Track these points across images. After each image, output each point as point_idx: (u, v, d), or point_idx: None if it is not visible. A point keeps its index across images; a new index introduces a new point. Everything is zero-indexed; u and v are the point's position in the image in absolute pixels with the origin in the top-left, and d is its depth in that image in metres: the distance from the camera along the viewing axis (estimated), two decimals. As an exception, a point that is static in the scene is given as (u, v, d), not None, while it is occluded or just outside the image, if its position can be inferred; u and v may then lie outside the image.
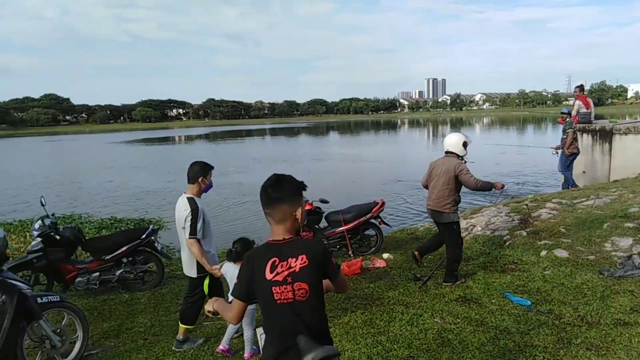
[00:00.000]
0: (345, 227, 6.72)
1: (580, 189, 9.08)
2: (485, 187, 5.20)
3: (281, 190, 1.93)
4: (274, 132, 73.89)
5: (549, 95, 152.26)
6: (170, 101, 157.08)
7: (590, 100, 10.69)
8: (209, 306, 2.14)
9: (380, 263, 6.23)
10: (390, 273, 5.88)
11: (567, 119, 9.93)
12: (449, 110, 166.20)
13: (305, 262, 1.88)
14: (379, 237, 7.03)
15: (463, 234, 7.28)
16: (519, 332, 3.89)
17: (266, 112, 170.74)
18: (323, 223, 7.06)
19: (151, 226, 6.34)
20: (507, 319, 4.16)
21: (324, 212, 6.90)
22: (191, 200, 3.84)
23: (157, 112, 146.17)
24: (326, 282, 2.05)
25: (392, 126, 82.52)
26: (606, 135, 10.66)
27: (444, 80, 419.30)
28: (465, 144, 5.21)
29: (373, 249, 6.96)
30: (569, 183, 9.99)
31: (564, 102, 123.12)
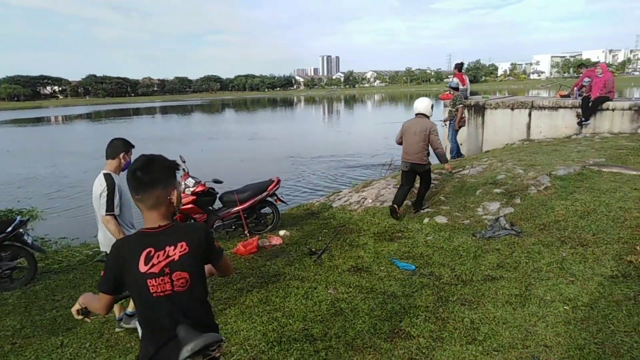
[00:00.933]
0: (240, 207, 6.60)
1: (458, 160, 9.93)
2: (442, 156, 6.42)
3: (153, 173, 1.75)
4: (165, 110, 69.97)
5: (432, 73, 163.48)
6: (42, 77, 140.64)
7: (466, 78, 11.64)
8: (75, 307, 1.93)
9: (276, 240, 6.25)
10: (287, 249, 5.93)
11: (455, 94, 10.56)
12: (343, 87, 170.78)
13: (185, 249, 1.76)
14: (276, 215, 7.03)
15: (355, 207, 7.63)
16: (404, 295, 4.17)
17: (155, 89, 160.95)
18: (217, 205, 6.87)
19: (19, 217, 5.64)
20: (394, 284, 4.43)
21: (217, 193, 6.70)
22: (107, 176, 3.65)
23: (27, 89, 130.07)
24: (209, 267, 1.96)
25: (288, 103, 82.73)
26: (479, 110, 11.75)
27: (337, 58, 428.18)
28: (432, 107, 6.54)
29: (270, 227, 6.95)
30: (454, 153, 10.81)
31: (445, 80, 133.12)
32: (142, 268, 1.70)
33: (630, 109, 9.67)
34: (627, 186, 6.13)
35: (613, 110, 9.90)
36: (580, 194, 5.93)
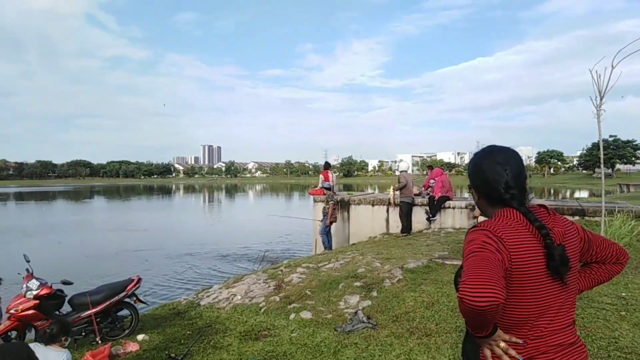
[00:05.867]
0: (92, 310, 6.04)
1: (326, 253, 10.43)
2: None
3: None
4: (21, 196, 62.68)
5: (311, 166, 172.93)
6: None
7: (331, 175, 12.66)
8: None
9: (133, 347, 5.77)
10: (144, 356, 5.50)
11: (327, 192, 11.85)
12: (224, 176, 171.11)
13: None
14: (134, 317, 6.54)
15: (223, 305, 7.46)
16: (262, 399, 4.10)
17: (11, 172, 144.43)
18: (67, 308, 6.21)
19: None
20: (254, 388, 4.34)
21: (66, 296, 6.09)
22: None
23: None
24: None
25: (166, 191, 79.89)
26: (345, 205, 12.72)
27: (219, 148, 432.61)
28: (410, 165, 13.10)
29: (127, 331, 6.40)
30: (325, 246, 11.46)
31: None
32: None
33: (466, 207, 11.30)
34: (464, 277, 6.99)
35: (454, 208, 11.47)
36: (426, 286, 6.60)
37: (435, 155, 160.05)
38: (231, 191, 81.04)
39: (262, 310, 6.82)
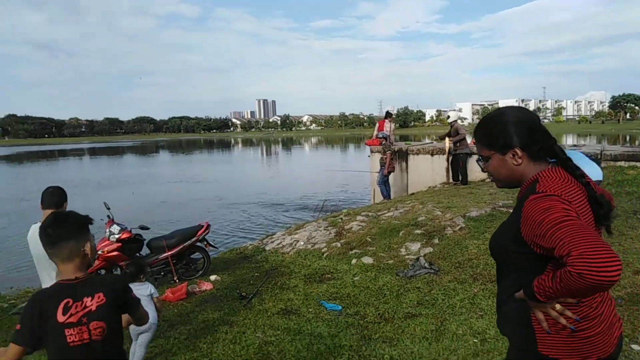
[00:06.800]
0: (168, 253, 6.53)
1: (385, 202, 10.45)
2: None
3: (63, 228, 1.87)
4: (94, 152, 67.13)
5: (365, 118, 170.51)
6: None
7: (387, 124, 12.42)
8: None
9: (207, 286, 6.22)
10: (217, 294, 5.92)
11: (384, 142, 11.56)
12: (280, 130, 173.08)
13: (102, 299, 1.86)
14: (206, 260, 7.01)
15: (287, 250, 7.78)
16: (330, 335, 4.33)
17: (83, 130, 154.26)
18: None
19: None
20: (321, 325, 4.57)
21: (144, 240, 6.61)
22: None
23: None
24: (126, 317, 2.07)
25: (225, 145, 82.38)
26: (403, 156, 12.55)
27: (274, 102, 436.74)
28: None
29: (200, 272, 6.90)
30: (383, 195, 11.50)
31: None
32: (60, 318, 1.77)
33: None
34: (530, 225, 6.80)
35: (519, 156, 10.95)
36: (490, 234, 6.47)
37: (497, 103, 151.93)
38: (287, 144, 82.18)
39: (325, 255, 7.04)
